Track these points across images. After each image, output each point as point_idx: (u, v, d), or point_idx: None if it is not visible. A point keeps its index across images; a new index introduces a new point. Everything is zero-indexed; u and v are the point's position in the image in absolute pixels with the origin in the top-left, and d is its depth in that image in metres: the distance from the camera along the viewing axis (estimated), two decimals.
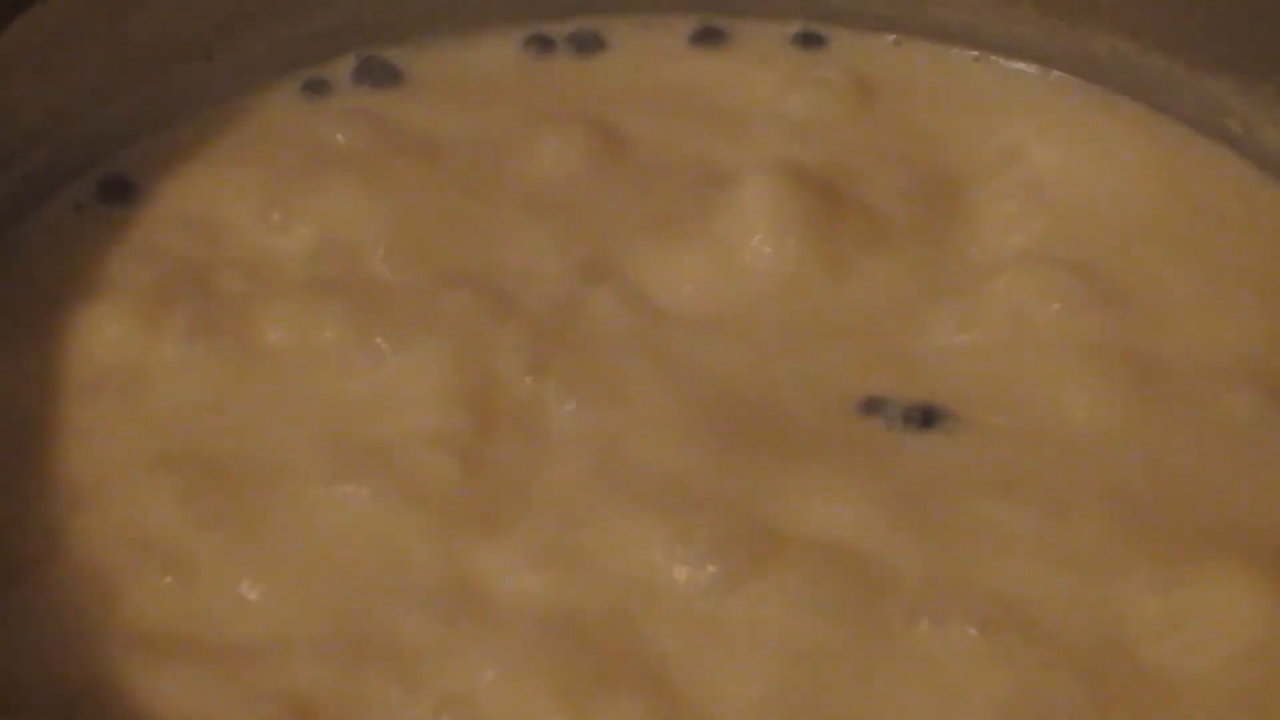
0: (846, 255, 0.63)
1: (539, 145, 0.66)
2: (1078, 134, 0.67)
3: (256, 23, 0.67)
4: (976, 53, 0.69)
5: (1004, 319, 0.62)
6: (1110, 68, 0.68)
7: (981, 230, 0.64)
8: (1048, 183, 0.65)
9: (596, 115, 0.67)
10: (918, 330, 0.62)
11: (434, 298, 0.61)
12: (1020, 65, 0.69)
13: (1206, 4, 0.65)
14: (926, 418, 0.59)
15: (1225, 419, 0.59)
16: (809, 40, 0.70)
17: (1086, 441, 0.59)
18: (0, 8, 0.61)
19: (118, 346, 0.60)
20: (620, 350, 0.60)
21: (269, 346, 0.60)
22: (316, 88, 0.68)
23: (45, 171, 0.64)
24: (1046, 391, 0.60)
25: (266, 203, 0.64)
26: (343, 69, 0.68)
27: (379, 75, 0.68)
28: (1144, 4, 0.66)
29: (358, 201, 0.63)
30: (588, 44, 0.69)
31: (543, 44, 0.69)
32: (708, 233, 0.63)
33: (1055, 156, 0.66)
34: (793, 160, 0.64)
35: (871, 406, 0.59)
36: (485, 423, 0.58)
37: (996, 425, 0.59)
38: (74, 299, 0.61)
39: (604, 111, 0.67)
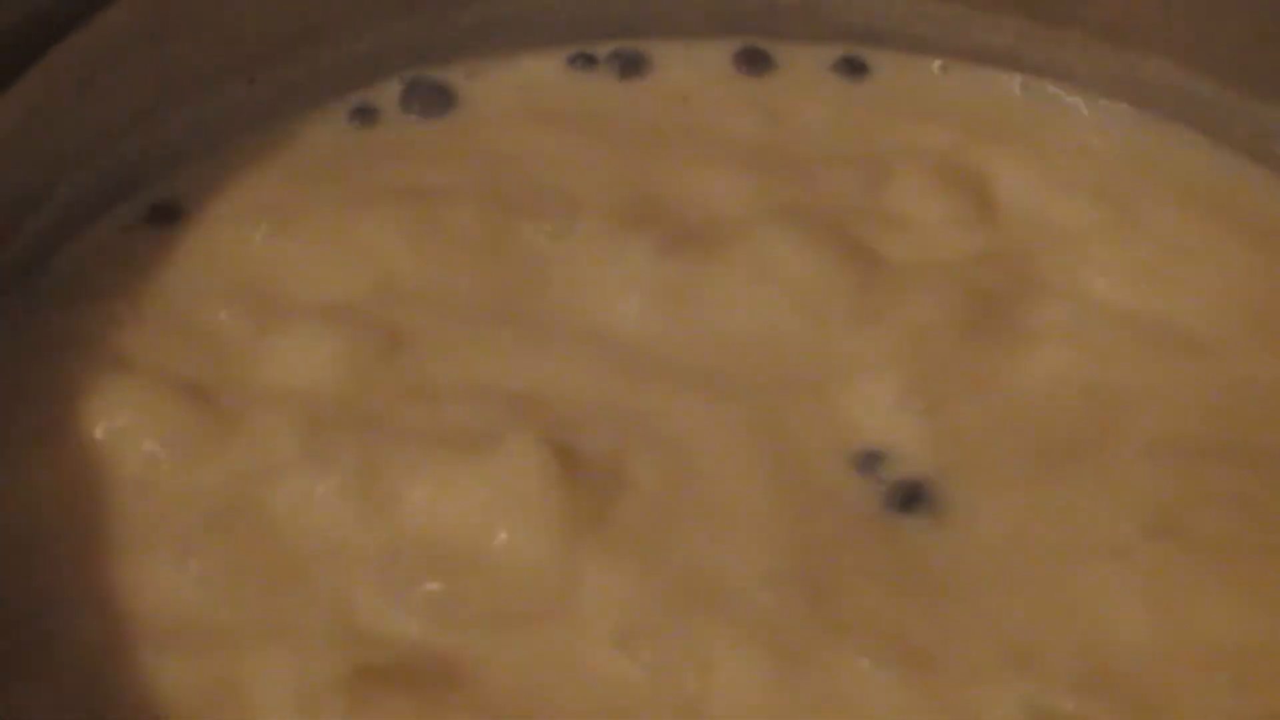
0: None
1: None
2: (1125, 162, 0.67)
3: (299, 47, 0.66)
4: (1023, 78, 0.69)
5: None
6: (1159, 94, 0.68)
7: (1032, 265, 0.64)
8: (1095, 213, 0.65)
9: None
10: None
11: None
12: (1068, 91, 0.69)
13: (1257, 29, 0.65)
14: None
15: None
16: (853, 64, 0.69)
17: None
18: (42, 32, 0.60)
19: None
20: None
21: None
22: (364, 113, 0.67)
23: (89, 195, 0.63)
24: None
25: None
26: (389, 92, 0.68)
27: (427, 96, 0.68)
28: (1194, 29, 0.66)
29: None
30: (631, 64, 0.69)
31: (587, 62, 0.69)
32: None
33: (1102, 184, 0.66)
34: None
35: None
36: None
37: None
38: (121, 322, 0.61)
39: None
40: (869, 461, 0.58)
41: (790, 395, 0.60)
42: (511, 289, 0.62)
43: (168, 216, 0.64)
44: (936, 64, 0.70)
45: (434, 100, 0.68)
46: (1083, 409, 0.60)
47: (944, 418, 0.60)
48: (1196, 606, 0.55)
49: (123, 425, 0.58)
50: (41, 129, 0.61)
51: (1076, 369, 0.61)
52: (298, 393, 0.59)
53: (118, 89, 0.63)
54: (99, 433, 0.58)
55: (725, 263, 0.62)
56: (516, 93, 0.68)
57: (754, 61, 0.69)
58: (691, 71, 0.69)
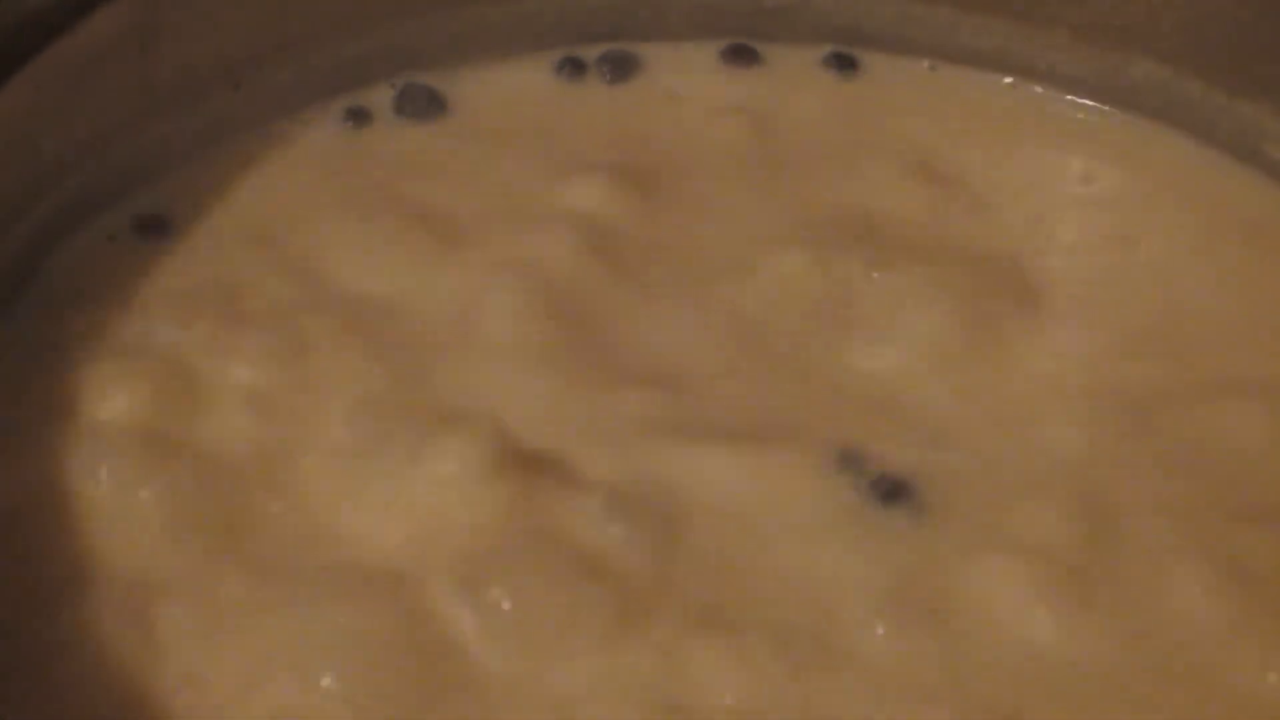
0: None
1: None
2: (1112, 162, 0.67)
3: (286, 52, 0.66)
4: (1010, 78, 0.69)
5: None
6: (1147, 94, 0.68)
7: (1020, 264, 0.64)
8: (1083, 214, 0.66)
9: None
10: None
11: None
12: (1055, 92, 0.69)
13: (1244, 29, 0.66)
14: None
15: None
16: (842, 64, 0.69)
17: None
18: (27, 40, 0.60)
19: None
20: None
21: None
22: (357, 115, 0.67)
23: (75, 204, 0.63)
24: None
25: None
26: (380, 96, 0.68)
27: (420, 103, 0.67)
28: (1181, 30, 0.66)
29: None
30: (620, 68, 0.69)
31: (576, 66, 0.69)
32: None
33: (1089, 185, 0.67)
34: None
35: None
36: None
37: None
38: (108, 328, 0.60)
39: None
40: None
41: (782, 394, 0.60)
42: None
43: (154, 225, 0.63)
44: (925, 65, 0.70)
45: (425, 105, 0.67)
46: (1074, 409, 0.60)
47: (928, 417, 0.60)
48: None
49: (111, 429, 0.57)
50: (26, 137, 0.60)
51: (1069, 364, 0.61)
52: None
53: (103, 97, 0.62)
54: (88, 437, 0.57)
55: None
56: (506, 98, 0.68)
57: (742, 61, 0.69)
58: (680, 73, 0.69)
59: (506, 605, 0.53)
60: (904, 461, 0.57)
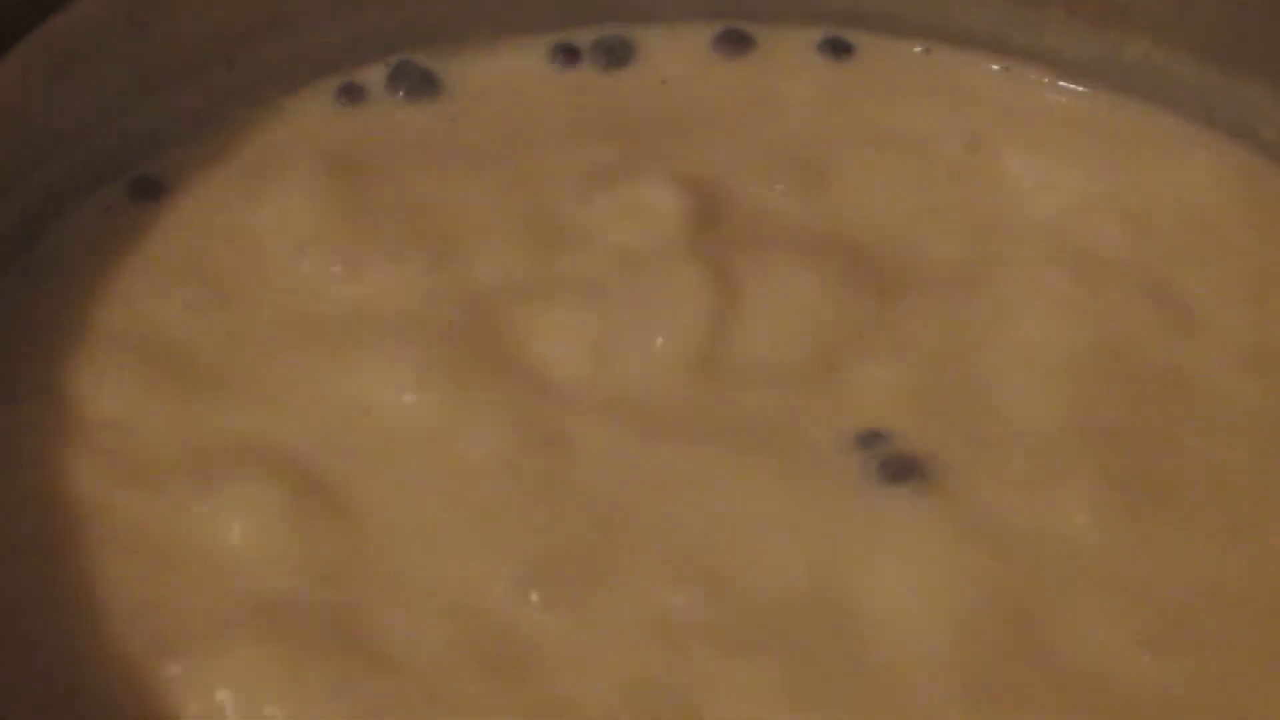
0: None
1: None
2: (1108, 146, 0.67)
3: (279, 30, 0.66)
4: (1005, 60, 0.69)
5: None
6: (1142, 75, 0.67)
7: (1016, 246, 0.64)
8: (1079, 197, 0.65)
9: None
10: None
11: None
12: (1049, 73, 0.68)
13: (1240, 9, 0.65)
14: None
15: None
16: (837, 47, 0.69)
17: None
18: (21, 15, 0.60)
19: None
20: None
21: None
22: (351, 93, 0.67)
23: (70, 180, 0.63)
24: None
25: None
26: (374, 76, 0.68)
27: (414, 81, 0.68)
28: (1176, 9, 0.66)
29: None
30: (615, 51, 0.69)
31: (569, 51, 0.69)
32: None
33: (1086, 171, 0.66)
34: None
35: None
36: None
37: None
38: (103, 304, 0.61)
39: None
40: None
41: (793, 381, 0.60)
42: None
43: (150, 194, 0.64)
44: (918, 47, 0.69)
45: (419, 85, 0.68)
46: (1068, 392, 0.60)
47: (939, 397, 0.60)
48: None
49: (108, 396, 0.58)
50: (18, 114, 0.60)
51: (1066, 348, 0.61)
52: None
53: (95, 75, 0.63)
54: (85, 407, 0.58)
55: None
56: (500, 81, 0.68)
57: (736, 45, 0.69)
58: (673, 57, 0.69)
59: None
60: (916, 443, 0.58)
